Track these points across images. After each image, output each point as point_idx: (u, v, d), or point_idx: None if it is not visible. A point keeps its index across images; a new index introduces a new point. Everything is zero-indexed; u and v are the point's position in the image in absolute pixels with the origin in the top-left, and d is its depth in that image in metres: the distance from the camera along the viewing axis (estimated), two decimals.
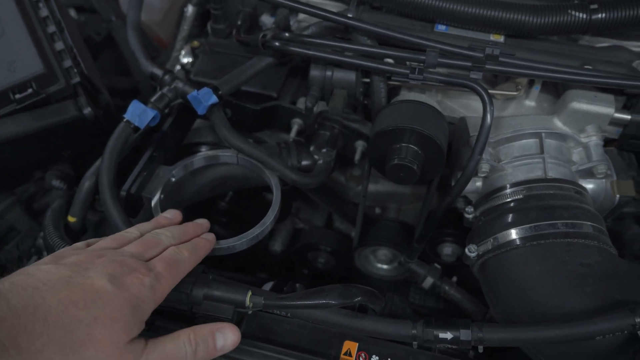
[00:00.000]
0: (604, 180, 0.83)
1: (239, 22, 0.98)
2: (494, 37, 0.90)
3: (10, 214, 0.90)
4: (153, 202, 0.79)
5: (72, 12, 1.17)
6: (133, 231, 0.68)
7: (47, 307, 0.50)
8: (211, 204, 1.08)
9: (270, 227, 0.78)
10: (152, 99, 0.84)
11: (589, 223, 0.73)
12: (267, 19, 1.07)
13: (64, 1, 1.18)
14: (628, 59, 0.88)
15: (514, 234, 0.74)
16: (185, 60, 1.13)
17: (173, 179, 0.84)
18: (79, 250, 0.62)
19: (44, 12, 0.93)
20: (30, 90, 0.82)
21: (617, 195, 0.82)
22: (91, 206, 0.87)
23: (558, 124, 0.85)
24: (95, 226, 0.89)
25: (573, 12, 0.84)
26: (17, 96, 0.81)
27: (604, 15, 0.84)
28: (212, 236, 0.73)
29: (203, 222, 0.75)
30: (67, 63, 0.88)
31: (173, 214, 0.75)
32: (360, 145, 0.96)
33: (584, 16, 0.84)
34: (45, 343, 0.49)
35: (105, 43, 1.19)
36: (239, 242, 0.75)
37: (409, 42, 0.84)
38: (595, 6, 0.84)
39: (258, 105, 0.95)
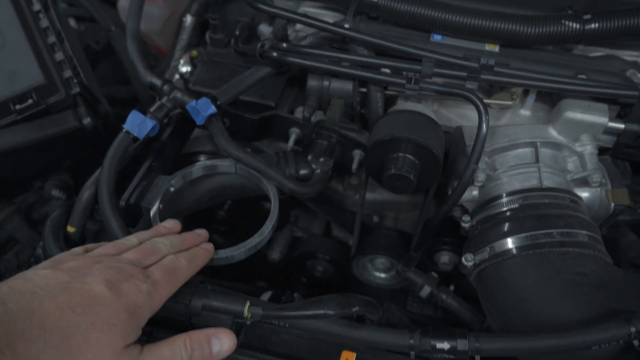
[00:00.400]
0: (598, 189, 0.83)
1: (237, 32, 0.99)
2: (489, 47, 0.91)
3: (10, 224, 0.91)
4: (152, 212, 0.79)
5: (72, 22, 1.18)
6: (132, 239, 0.68)
7: (45, 312, 0.51)
8: (210, 212, 1.09)
9: (269, 237, 0.78)
10: (151, 109, 0.85)
11: (584, 232, 0.74)
12: (265, 29, 1.08)
13: (63, 11, 1.20)
14: (621, 68, 0.89)
15: (510, 243, 0.74)
16: (184, 69, 1.14)
17: (172, 189, 0.84)
18: (77, 255, 0.63)
19: (45, 22, 0.94)
20: (30, 101, 0.82)
21: (612, 204, 0.83)
22: (90, 215, 0.88)
23: (553, 133, 0.86)
24: (94, 235, 0.90)
25: (567, 23, 0.85)
26: (18, 107, 0.81)
27: (597, 25, 0.85)
28: (210, 246, 0.73)
29: (202, 232, 0.76)
30: (67, 73, 0.89)
31: (172, 224, 0.75)
32: (357, 154, 0.97)
33: (578, 26, 0.85)
34: (42, 348, 0.50)
35: (105, 52, 1.20)
36: (238, 251, 0.75)
37: (406, 52, 0.85)
38: (588, 16, 0.85)
39: (256, 115, 0.96)
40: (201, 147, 0.98)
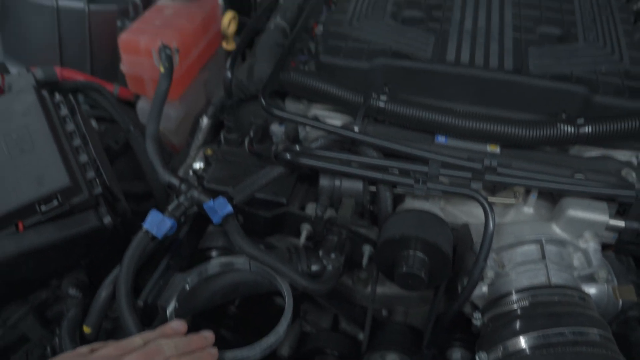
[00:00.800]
0: (605, 285, 0.85)
1: (252, 134, 1.05)
2: (490, 148, 0.96)
3: (23, 323, 0.91)
4: (168, 312, 0.81)
5: (93, 123, 1.24)
6: (137, 340, 0.69)
7: None
8: (220, 307, 1.09)
9: (284, 336, 0.79)
10: (170, 208, 0.88)
11: (596, 330, 0.75)
12: (276, 128, 1.14)
13: (85, 112, 1.27)
14: (616, 167, 0.93)
15: (522, 342, 0.75)
16: (197, 165, 1.19)
17: (187, 287, 0.86)
18: (81, 356, 0.64)
19: (71, 126, 1.00)
20: (55, 202, 0.86)
21: (620, 300, 0.84)
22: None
23: (557, 230, 0.89)
24: (108, 334, 0.90)
25: (562, 127, 0.91)
26: (43, 208, 0.85)
27: (590, 129, 0.91)
28: (215, 350, 0.74)
29: (208, 335, 0.76)
30: (91, 175, 0.93)
31: (178, 325, 0.75)
32: (367, 249, 0.99)
33: (572, 130, 0.91)
34: None
35: (123, 150, 1.26)
36: (253, 352, 0.76)
37: (413, 155, 0.90)
38: (581, 121, 0.91)
39: (269, 212, 0.99)
40: (213, 242, 1.01)
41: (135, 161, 1.28)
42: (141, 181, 1.29)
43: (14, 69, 1.23)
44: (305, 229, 1.00)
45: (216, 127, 1.22)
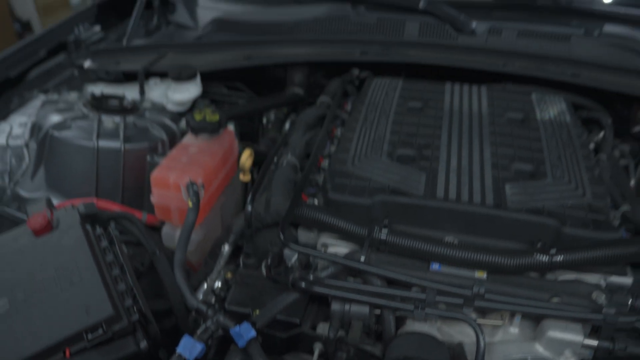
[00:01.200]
0: None
1: (269, 261, 1.19)
2: (478, 274, 1.11)
3: None
4: None
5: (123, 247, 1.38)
6: None
7: None
8: None
9: None
10: (199, 332, 1.00)
11: None
12: (289, 252, 1.28)
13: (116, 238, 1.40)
14: (587, 290, 1.07)
15: None
16: (216, 285, 1.31)
17: None
18: None
19: (110, 257, 1.13)
20: (100, 331, 0.97)
21: None
22: None
23: (540, 349, 1.02)
24: None
25: (538, 257, 1.07)
26: (90, 337, 0.96)
27: (561, 258, 1.06)
28: None
29: None
30: (128, 302, 1.05)
31: None
32: None
33: (546, 259, 1.06)
34: None
35: (146, 271, 1.38)
36: None
37: (412, 284, 1.05)
38: (554, 251, 1.07)
39: (285, 334, 1.11)
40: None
41: (156, 280, 1.40)
42: (162, 299, 1.40)
43: (55, 200, 1.38)
44: (318, 348, 1.12)
45: (235, 250, 1.36)
